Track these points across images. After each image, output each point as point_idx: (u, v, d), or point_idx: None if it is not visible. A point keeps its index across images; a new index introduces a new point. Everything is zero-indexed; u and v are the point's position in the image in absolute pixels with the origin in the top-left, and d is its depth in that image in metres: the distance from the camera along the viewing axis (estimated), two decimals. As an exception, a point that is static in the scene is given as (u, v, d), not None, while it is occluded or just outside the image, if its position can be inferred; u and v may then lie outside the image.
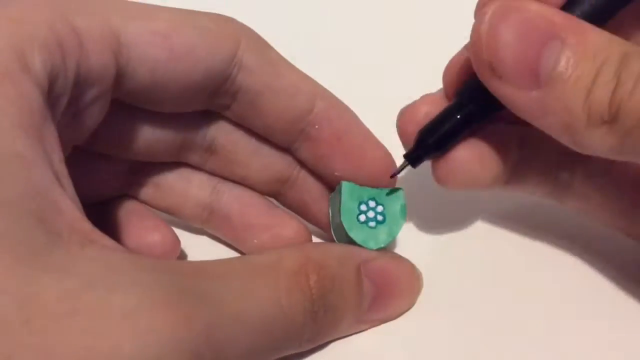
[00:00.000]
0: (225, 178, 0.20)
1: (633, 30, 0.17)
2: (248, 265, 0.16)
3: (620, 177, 0.18)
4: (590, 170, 0.18)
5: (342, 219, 0.18)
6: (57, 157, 0.13)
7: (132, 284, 0.12)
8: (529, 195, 0.19)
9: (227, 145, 0.19)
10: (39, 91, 0.13)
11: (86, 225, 0.13)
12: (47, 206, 0.12)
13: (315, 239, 0.20)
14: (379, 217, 0.18)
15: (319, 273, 0.16)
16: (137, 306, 0.12)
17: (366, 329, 0.18)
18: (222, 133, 0.19)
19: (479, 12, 0.16)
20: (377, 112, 0.19)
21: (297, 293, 0.15)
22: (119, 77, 0.15)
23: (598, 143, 0.14)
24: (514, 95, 0.15)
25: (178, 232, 0.20)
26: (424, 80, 0.18)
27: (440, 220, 0.21)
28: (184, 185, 0.20)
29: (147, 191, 0.20)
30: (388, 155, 0.18)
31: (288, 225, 0.19)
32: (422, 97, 0.18)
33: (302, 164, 0.19)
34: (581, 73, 0.14)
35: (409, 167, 0.18)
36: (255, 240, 0.19)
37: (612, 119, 0.14)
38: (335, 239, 0.19)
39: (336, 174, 0.18)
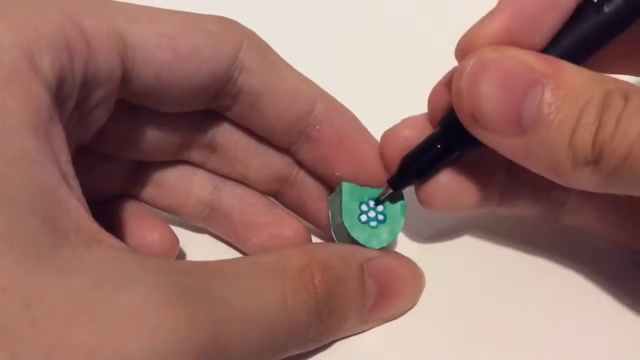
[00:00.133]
0: (226, 176, 0.20)
1: (615, 63, 0.17)
2: (253, 265, 0.16)
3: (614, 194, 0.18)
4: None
5: (343, 219, 0.18)
6: (65, 158, 0.13)
7: (137, 283, 0.12)
8: (522, 215, 0.19)
9: (227, 144, 0.19)
10: (46, 91, 0.13)
11: (93, 225, 0.13)
12: (53, 206, 0.12)
13: (314, 239, 0.20)
14: (380, 217, 0.18)
15: (323, 273, 0.16)
16: (143, 306, 0.12)
17: (369, 329, 0.18)
18: (223, 132, 0.19)
19: (458, 61, 0.16)
20: (377, 113, 0.19)
21: (302, 293, 0.15)
22: (125, 78, 0.16)
23: (584, 181, 0.14)
24: (498, 142, 0.15)
25: (179, 231, 0.20)
26: (424, 81, 0.18)
27: (440, 219, 0.21)
28: (185, 184, 0.20)
29: (148, 190, 0.20)
30: None
31: (288, 225, 0.19)
32: (404, 121, 0.18)
33: (302, 164, 0.19)
34: (563, 116, 0.14)
35: None
36: (255, 239, 0.19)
37: (595, 159, 0.14)
38: (335, 239, 0.19)
39: (337, 174, 0.19)
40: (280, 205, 0.20)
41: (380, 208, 0.19)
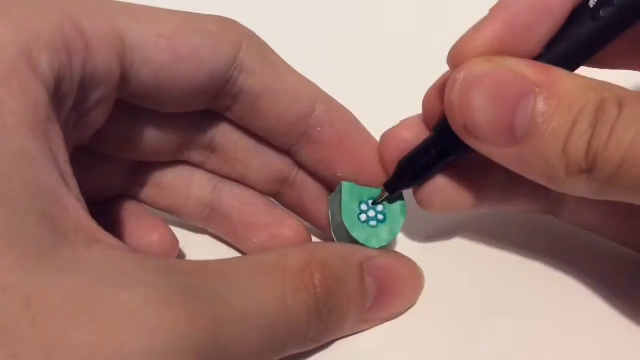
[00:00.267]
0: (225, 176, 0.20)
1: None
2: (253, 264, 0.16)
3: None
4: None
5: (343, 218, 0.18)
6: (63, 157, 0.14)
7: (137, 283, 0.12)
8: (522, 213, 0.19)
9: (227, 145, 0.19)
10: (45, 91, 0.13)
11: (92, 225, 0.13)
12: (53, 205, 0.12)
13: (314, 239, 0.20)
14: (380, 216, 0.18)
15: (323, 272, 0.16)
16: (142, 305, 0.12)
17: (369, 328, 0.18)
18: (222, 133, 0.19)
19: (450, 70, 0.16)
20: (377, 114, 0.19)
21: (302, 292, 0.15)
22: (124, 78, 0.16)
23: (580, 189, 0.14)
24: (492, 151, 0.15)
25: (179, 231, 0.20)
26: (424, 81, 0.18)
27: (440, 218, 0.21)
28: (184, 185, 0.20)
29: (148, 191, 0.20)
30: None
31: (287, 225, 0.19)
32: (402, 122, 0.18)
33: (302, 165, 0.19)
34: (557, 125, 0.14)
35: None
36: (255, 240, 0.19)
37: (589, 168, 0.14)
38: (335, 239, 0.19)
39: (338, 175, 0.19)
40: (280, 206, 0.20)
41: (380, 208, 0.19)
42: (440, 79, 0.17)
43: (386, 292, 0.17)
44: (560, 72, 0.14)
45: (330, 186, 0.19)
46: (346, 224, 0.18)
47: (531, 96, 0.14)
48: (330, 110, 0.18)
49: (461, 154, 0.17)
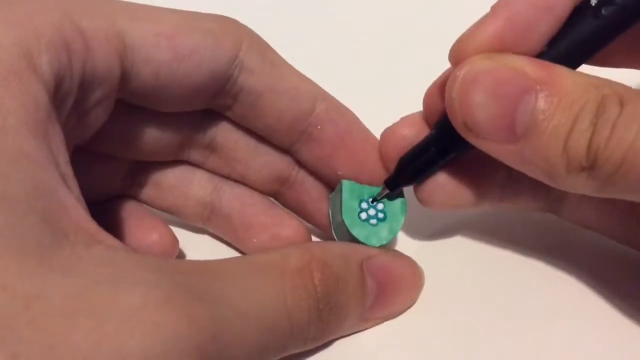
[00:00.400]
0: (226, 176, 0.20)
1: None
2: (252, 264, 0.16)
3: None
4: None
5: (343, 217, 0.18)
6: (63, 158, 0.14)
7: (137, 283, 0.12)
8: (522, 211, 0.19)
9: (227, 144, 0.19)
10: (45, 91, 0.13)
11: (92, 226, 0.13)
12: (53, 206, 0.12)
13: (314, 239, 0.20)
14: (380, 215, 0.18)
15: (323, 271, 0.16)
16: (142, 305, 0.12)
17: (369, 327, 0.18)
18: (222, 132, 0.19)
19: (452, 66, 0.16)
20: (378, 114, 0.19)
21: (302, 291, 0.15)
22: (124, 78, 0.16)
23: (581, 187, 0.14)
24: (493, 148, 0.15)
25: (179, 231, 0.20)
26: (424, 81, 0.18)
27: (441, 216, 0.21)
28: (184, 185, 0.20)
29: (148, 191, 0.20)
30: None
31: (287, 225, 0.19)
32: (402, 119, 0.18)
33: (302, 164, 0.19)
34: (557, 123, 0.14)
35: None
36: (255, 240, 0.19)
37: (590, 165, 0.14)
38: (335, 238, 0.19)
39: (339, 173, 0.19)
40: (280, 206, 0.20)
41: (380, 206, 0.19)
42: (441, 76, 0.17)
43: (386, 291, 0.17)
44: (561, 70, 0.14)
45: (331, 185, 0.19)
46: (346, 223, 0.18)
47: (532, 93, 0.14)
48: (331, 108, 0.18)
49: (462, 151, 0.17)
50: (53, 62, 0.13)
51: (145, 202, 0.20)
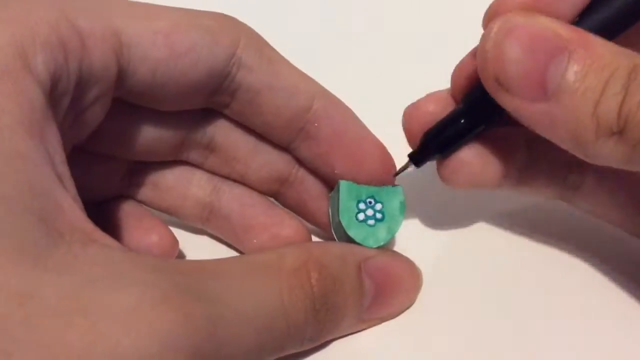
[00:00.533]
0: (225, 176, 0.20)
1: None
2: (249, 263, 0.16)
3: (631, 178, 0.17)
4: (599, 172, 0.18)
5: (340, 217, 0.18)
6: (59, 158, 0.13)
7: (132, 282, 0.12)
8: (536, 196, 0.19)
9: (226, 143, 0.19)
10: (40, 91, 0.13)
11: (88, 225, 0.13)
12: (48, 206, 0.12)
13: (314, 239, 0.20)
14: (378, 215, 0.18)
15: (320, 271, 0.16)
16: (137, 305, 0.12)
17: (366, 328, 0.18)
18: (221, 131, 0.19)
19: (485, 27, 0.16)
20: (377, 112, 0.19)
21: (299, 291, 0.15)
22: (121, 76, 0.16)
23: (607, 154, 0.14)
24: (522, 107, 0.15)
25: (178, 232, 0.20)
26: (423, 80, 0.18)
27: (439, 217, 0.21)
28: (183, 185, 0.20)
29: (147, 192, 0.20)
30: (387, 153, 0.19)
31: (287, 225, 0.19)
32: (427, 96, 0.18)
33: (302, 163, 0.19)
34: (589, 85, 0.14)
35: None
36: (254, 240, 0.19)
37: (620, 130, 0.14)
38: (335, 237, 0.19)
39: (336, 172, 0.18)
40: (280, 206, 0.20)
41: (378, 206, 0.18)
42: (471, 51, 0.17)
43: (384, 292, 0.17)
44: (594, 37, 0.14)
45: (331, 184, 0.19)
46: (343, 224, 0.18)
47: (565, 53, 0.14)
48: (329, 105, 0.18)
49: (491, 123, 0.17)
50: (49, 61, 0.13)
51: (144, 203, 0.20)
